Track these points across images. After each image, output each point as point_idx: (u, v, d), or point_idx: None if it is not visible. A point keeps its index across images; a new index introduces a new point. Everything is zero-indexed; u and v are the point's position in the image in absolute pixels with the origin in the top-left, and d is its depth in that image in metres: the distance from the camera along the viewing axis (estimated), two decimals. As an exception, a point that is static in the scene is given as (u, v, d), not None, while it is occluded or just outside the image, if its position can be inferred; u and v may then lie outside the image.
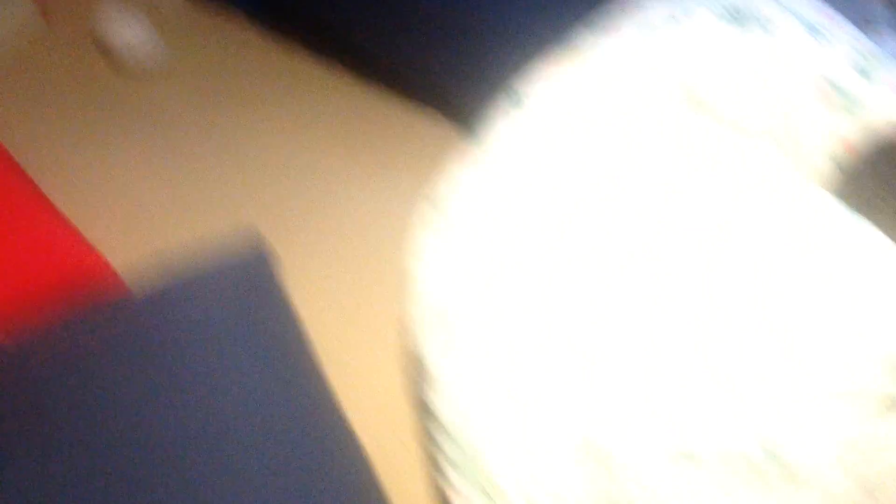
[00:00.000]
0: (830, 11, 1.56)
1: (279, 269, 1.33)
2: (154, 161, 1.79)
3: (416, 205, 1.45)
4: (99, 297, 1.22)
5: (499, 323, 1.21)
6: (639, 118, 1.30)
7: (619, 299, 1.14)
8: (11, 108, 1.92)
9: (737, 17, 1.46)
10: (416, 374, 1.34)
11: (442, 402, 1.25)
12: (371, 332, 1.57)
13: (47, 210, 1.44)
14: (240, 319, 1.20)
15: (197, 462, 1.05)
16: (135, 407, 1.08)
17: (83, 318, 1.18)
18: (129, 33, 1.97)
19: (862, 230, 1.10)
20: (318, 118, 1.90)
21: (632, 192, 1.21)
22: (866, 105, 1.41)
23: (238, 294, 1.22)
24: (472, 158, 1.37)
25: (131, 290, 1.24)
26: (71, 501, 0.99)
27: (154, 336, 1.15)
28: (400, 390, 1.48)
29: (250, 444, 1.10)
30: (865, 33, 1.96)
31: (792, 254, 1.09)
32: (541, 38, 1.51)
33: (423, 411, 1.32)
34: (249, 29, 2.06)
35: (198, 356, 1.15)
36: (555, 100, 1.36)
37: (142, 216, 1.69)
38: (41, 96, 1.94)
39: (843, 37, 1.50)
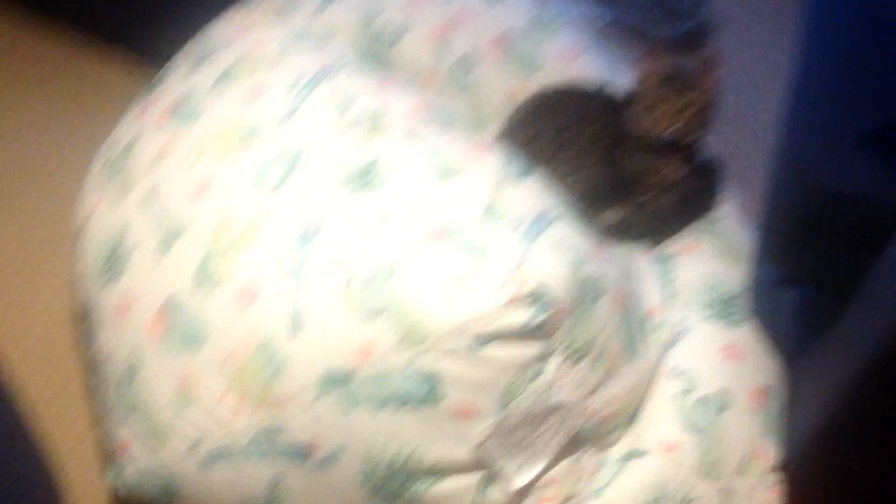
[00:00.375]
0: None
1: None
2: None
3: (94, 154, 1.37)
4: None
5: (160, 263, 1.21)
6: (317, 68, 1.32)
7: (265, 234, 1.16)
8: None
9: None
10: (85, 326, 1.29)
11: (108, 349, 1.22)
12: (42, 286, 1.47)
13: None
14: None
15: None
16: None
17: None
18: None
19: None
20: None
21: (286, 131, 1.23)
22: (537, 64, 1.50)
23: None
24: (147, 107, 1.33)
25: None
26: None
27: None
28: (71, 346, 1.41)
29: None
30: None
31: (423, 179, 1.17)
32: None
33: (92, 363, 1.27)
34: None
35: None
36: (240, 48, 1.34)
37: None
38: None
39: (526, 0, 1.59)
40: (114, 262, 1.24)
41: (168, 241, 1.20)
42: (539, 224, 1.15)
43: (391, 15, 1.46)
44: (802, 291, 1.52)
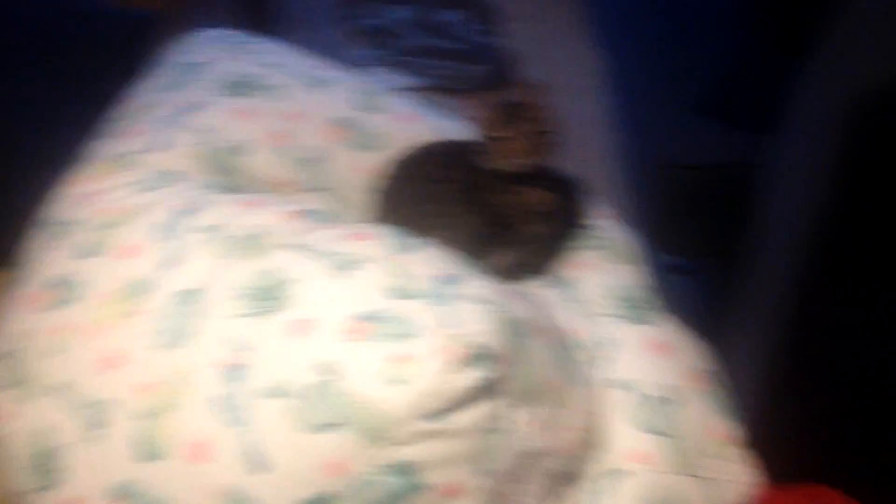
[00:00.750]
0: (327, 63, 1.66)
1: None
2: None
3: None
4: None
5: (95, 452, 1.13)
6: (178, 209, 1.28)
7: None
8: None
9: (242, 89, 1.50)
10: None
11: None
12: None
13: None
14: None
15: None
16: None
17: None
18: None
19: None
20: None
21: (172, 279, 1.19)
22: (378, 134, 1.51)
23: None
24: (20, 301, 1.25)
25: None
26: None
27: None
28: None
29: None
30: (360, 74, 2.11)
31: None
32: (57, 157, 1.43)
33: None
34: None
35: None
36: (91, 216, 1.29)
37: None
38: None
39: (345, 82, 1.60)
40: (44, 469, 1.15)
41: (94, 426, 1.12)
42: (447, 286, 1.15)
43: (226, 136, 1.43)
44: (695, 272, 1.58)
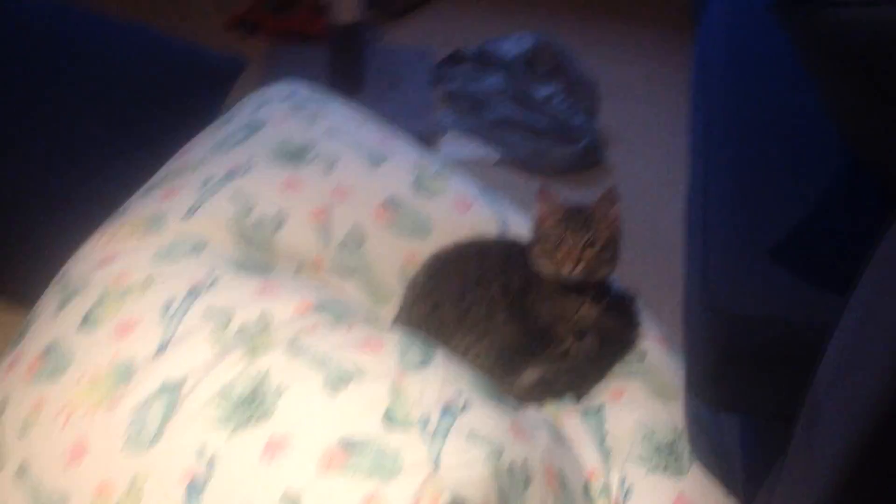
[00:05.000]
0: (392, 133, 1.60)
1: None
2: None
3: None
4: None
5: None
6: (189, 287, 1.24)
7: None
8: None
9: (296, 155, 1.46)
10: None
11: None
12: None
13: None
14: None
15: None
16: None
17: None
18: None
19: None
20: None
21: (160, 366, 1.15)
22: (428, 224, 1.43)
23: None
24: (14, 363, 1.24)
25: None
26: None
27: None
28: None
29: None
30: (430, 144, 2.05)
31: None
32: (90, 210, 1.42)
33: None
34: None
35: None
36: (105, 280, 1.26)
37: None
38: None
39: (404, 158, 1.54)
40: None
41: None
42: (447, 417, 1.06)
43: (265, 207, 1.38)
44: (745, 419, 1.44)
